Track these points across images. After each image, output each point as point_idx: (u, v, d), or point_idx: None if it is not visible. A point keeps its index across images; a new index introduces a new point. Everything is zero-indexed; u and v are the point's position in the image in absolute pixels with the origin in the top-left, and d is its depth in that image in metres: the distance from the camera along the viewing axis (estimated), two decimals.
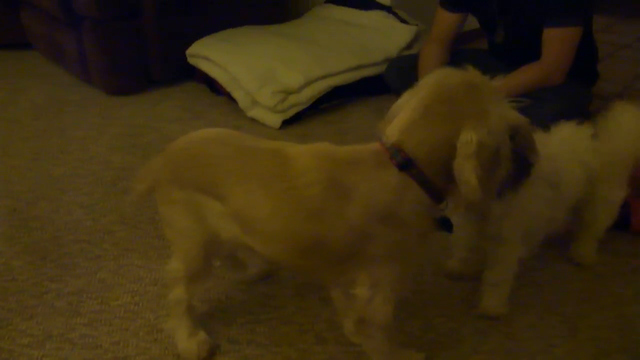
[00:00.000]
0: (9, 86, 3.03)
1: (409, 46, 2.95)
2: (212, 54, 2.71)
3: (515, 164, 1.13)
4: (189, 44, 2.84)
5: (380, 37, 2.93)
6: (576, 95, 2.22)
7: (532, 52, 2.20)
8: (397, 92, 2.71)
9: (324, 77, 2.59)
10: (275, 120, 2.49)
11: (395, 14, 3.10)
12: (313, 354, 1.41)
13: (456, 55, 2.49)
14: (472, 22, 2.51)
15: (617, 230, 1.88)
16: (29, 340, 1.44)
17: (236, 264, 1.61)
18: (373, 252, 1.13)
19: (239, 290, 1.61)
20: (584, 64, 2.31)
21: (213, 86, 2.79)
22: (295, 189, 1.11)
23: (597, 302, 1.61)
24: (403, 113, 1.11)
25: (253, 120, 2.56)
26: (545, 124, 2.20)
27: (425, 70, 2.39)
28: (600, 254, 1.79)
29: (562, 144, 1.57)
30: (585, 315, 1.56)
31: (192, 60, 2.84)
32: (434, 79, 1.12)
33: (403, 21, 3.06)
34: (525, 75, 2.20)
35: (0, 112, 2.74)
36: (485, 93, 1.09)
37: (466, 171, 1.04)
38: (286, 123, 2.51)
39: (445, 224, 1.17)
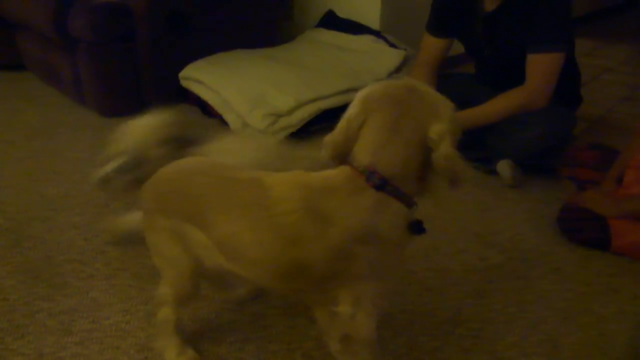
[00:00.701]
0: (4, 107, 3.07)
1: (397, 69, 3.01)
2: (204, 77, 2.76)
3: None
4: (181, 67, 2.89)
5: (370, 60, 2.99)
6: (560, 119, 2.28)
7: (516, 76, 2.26)
8: None
9: (314, 100, 2.64)
10: None
11: (384, 38, 3.17)
12: None
13: (444, 79, 2.56)
14: (460, 46, 2.58)
15: (598, 250, 1.93)
16: (20, 359, 1.46)
17: (224, 284, 1.64)
18: (354, 270, 1.17)
19: (227, 310, 1.64)
20: (567, 88, 2.37)
21: (205, 109, 2.83)
22: (273, 217, 1.15)
23: (579, 321, 1.65)
24: (367, 134, 1.15)
25: None
26: (529, 148, 2.27)
27: None
28: (583, 274, 1.84)
29: None
30: (568, 334, 1.60)
31: (184, 83, 2.89)
32: (380, 95, 1.17)
33: (392, 45, 3.12)
34: (509, 100, 2.26)
35: None
36: (425, 92, 1.17)
37: (447, 151, 1.12)
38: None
39: (417, 227, 1.20)
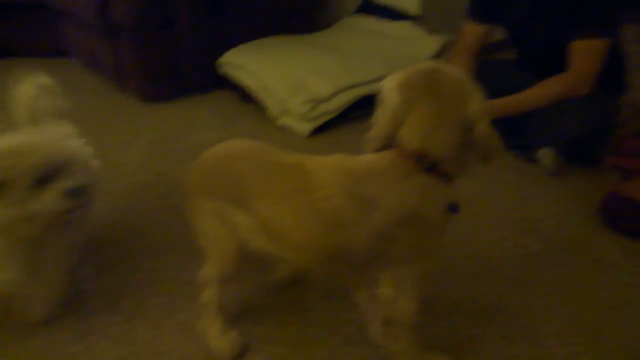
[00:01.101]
0: None
1: (437, 56, 2.98)
2: (243, 63, 2.78)
3: None
4: (221, 53, 2.92)
5: (409, 47, 2.98)
6: (602, 107, 2.24)
7: (560, 63, 2.23)
8: None
9: (353, 86, 2.64)
10: (305, 128, 2.54)
11: (423, 25, 3.14)
12: (341, 356, 1.46)
13: (484, 66, 2.52)
14: (501, 32, 2.54)
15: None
16: (69, 335, 1.51)
17: (265, 267, 1.66)
18: (396, 253, 1.19)
19: (269, 292, 1.66)
20: (611, 75, 2.32)
21: (244, 94, 2.86)
22: (316, 201, 1.17)
23: (623, 311, 1.63)
24: (413, 119, 1.17)
25: (283, 128, 2.63)
26: (572, 136, 2.23)
27: None
28: (626, 264, 1.81)
29: None
30: (611, 324, 1.58)
31: (224, 69, 2.92)
32: (418, 80, 1.19)
33: (431, 32, 3.10)
34: (552, 87, 2.23)
35: None
36: (455, 74, 1.20)
37: (485, 129, 1.18)
38: (316, 131, 2.57)
39: (455, 208, 1.22)
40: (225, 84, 3.00)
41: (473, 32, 2.51)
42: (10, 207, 1.27)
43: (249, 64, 2.76)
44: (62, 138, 1.32)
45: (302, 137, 2.55)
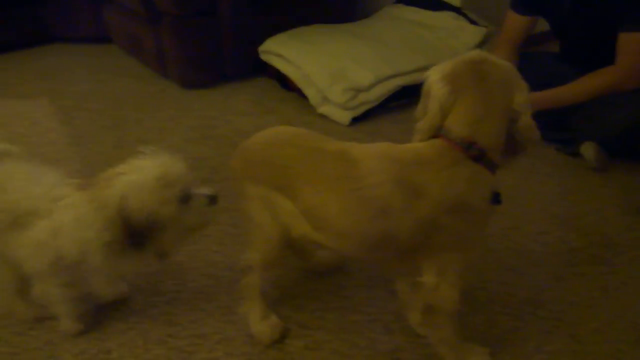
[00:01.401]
0: (91, 78, 3.20)
1: (478, 47, 2.94)
2: (284, 51, 2.78)
3: None
4: (261, 40, 2.93)
5: (450, 37, 2.94)
6: None
7: (605, 56, 2.18)
8: None
9: (393, 76, 2.63)
10: (345, 117, 2.54)
11: (465, 15, 3.10)
12: (380, 343, 1.46)
13: (526, 58, 2.49)
14: (544, 24, 2.50)
15: None
16: (115, 314, 1.55)
17: (307, 253, 1.67)
18: (441, 241, 1.19)
19: (309, 279, 1.67)
20: None
21: (284, 82, 2.87)
22: (362, 189, 1.18)
23: None
24: (461, 109, 1.17)
25: (323, 116, 2.63)
26: (616, 131, 2.19)
27: None
28: None
29: None
30: None
31: (264, 57, 2.93)
32: (464, 71, 1.19)
33: (473, 22, 3.06)
34: (598, 80, 2.19)
35: (84, 102, 2.89)
36: (501, 64, 1.21)
37: (528, 121, 1.20)
38: (355, 120, 2.56)
39: (497, 198, 1.22)
40: (264, 71, 3.01)
41: (516, 23, 2.47)
42: (171, 227, 1.31)
43: (289, 52, 2.77)
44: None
45: (342, 126, 2.55)
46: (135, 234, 1.27)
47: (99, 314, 1.54)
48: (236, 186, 1.40)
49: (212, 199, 1.38)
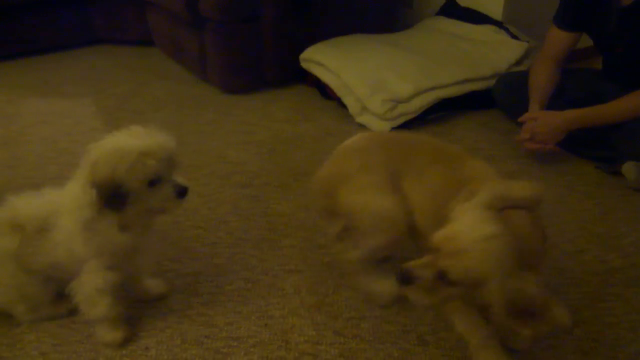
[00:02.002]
0: (133, 80, 3.26)
1: (518, 62, 2.93)
2: (325, 60, 2.81)
3: None
4: (302, 48, 2.96)
5: (490, 51, 2.93)
6: None
7: None
8: (505, 108, 2.72)
9: (433, 88, 2.63)
10: (383, 127, 2.55)
11: (506, 29, 3.09)
12: (414, 354, 1.47)
13: (568, 74, 2.47)
14: (586, 40, 2.47)
15: None
16: (154, 312, 1.58)
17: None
18: None
19: (344, 287, 1.68)
20: None
21: (323, 91, 2.89)
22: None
23: None
24: None
25: (362, 126, 2.64)
26: None
27: (536, 88, 2.39)
28: None
29: None
30: None
31: (305, 65, 2.95)
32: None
33: (514, 37, 3.04)
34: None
35: (126, 103, 2.96)
36: None
37: None
38: (394, 131, 2.57)
39: None
40: (304, 79, 3.04)
41: (558, 39, 2.45)
42: (135, 203, 1.35)
43: (329, 61, 2.79)
44: (168, 137, 1.39)
45: None
46: (104, 197, 1.32)
47: (139, 312, 1.58)
48: (347, 182, 1.48)
49: (181, 192, 1.39)
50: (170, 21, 3.32)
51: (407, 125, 2.59)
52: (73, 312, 1.54)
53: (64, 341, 1.51)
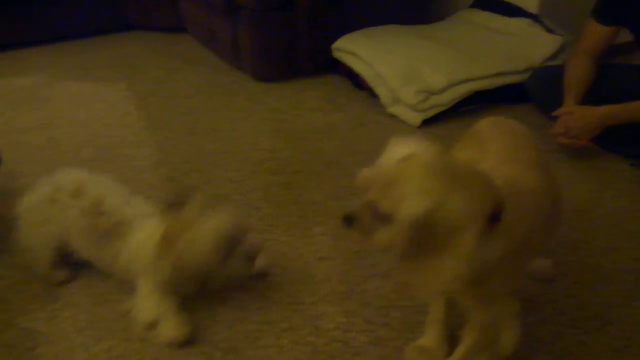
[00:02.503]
0: (165, 66, 3.29)
1: (553, 57, 2.89)
2: (357, 50, 2.80)
3: None
4: (334, 38, 2.95)
5: (525, 45, 2.90)
6: None
7: None
8: (538, 103, 2.69)
9: (466, 80, 2.61)
10: (415, 118, 2.54)
11: (541, 23, 3.05)
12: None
13: (605, 69, 2.43)
14: (625, 34, 2.43)
15: None
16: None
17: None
18: None
19: (374, 276, 1.69)
20: None
21: (355, 80, 2.88)
22: None
23: None
24: None
25: (393, 116, 2.63)
26: None
27: (571, 83, 2.35)
28: None
29: None
30: None
31: (337, 54, 2.95)
32: None
33: (549, 30, 3.00)
34: None
35: (158, 88, 2.99)
36: None
37: None
38: (425, 122, 2.56)
39: None
40: (336, 69, 3.04)
41: (596, 33, 2.41)
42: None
43: (362, 50, 2.78)
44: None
45: (412, 127, 2.55)
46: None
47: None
48: None
49: (251, 257, 1.54)
50: (203, 8, 3.34)
51: (439, 117, 2.58)
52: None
53: (99, 318, 1.55)
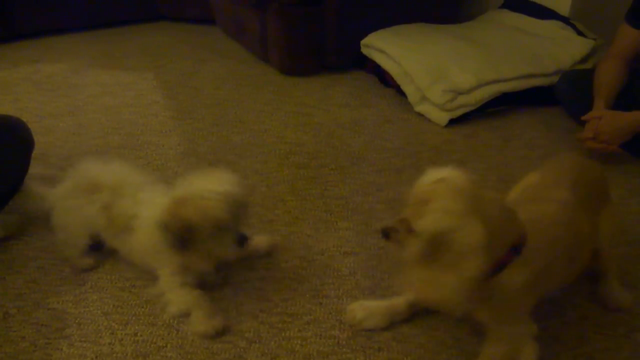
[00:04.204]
0: (193, 56, 3.31)
1: (583, 60, 2.86)
2: (386, 47, 2.80)
3: None
4: (363, 34, 2.95)
5: (555, 47, 2.87)
6: None
7: None
8: (567, 106, 2.65)
9: (494, 81, 2.60)
10: (442, 117, 2.53)
11: (572, 26, 3.02)
12: (467, 344, 1.46)
13: (636, 74, 2.40)
14: None
15: None
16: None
17: None
18: None
19: (399, 273, 1.68)
20: None
21: (383, 78, 2.88)
22: None
23: None
24: None
25: (420, 115, 2.62)
26: None
27: (602, 86, 2.33)
28: None
29: None
30: None
31: (365, 51, 2.95)
32: None
33: (580, 34, 2.97)
34: None
35: (186, 79, 3.01)
36: None
37: None
38: (452, 122, 2.55)
39: None
40: (363, 65, 3.03)
41: (629, 37, 2.38)
42: (197, 247, 1.44)
43: (391, 48, 2.78)
44: (236, 184, 1.47)
45: (438, 127, 2.54)
46: (170, 238, 1.42)
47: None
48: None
49: (242, 240, 1.46)
50: (232, 1, 3.35)
51: (466, 117, 2.57)
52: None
53: (125, 303, 1.57)
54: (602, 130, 2.21)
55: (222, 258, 1.49)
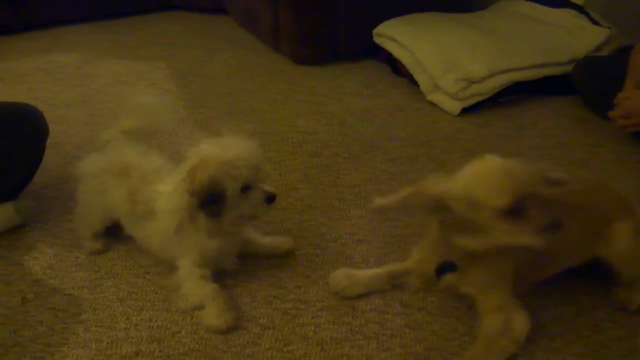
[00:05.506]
0: (205, 46, 3.32)
1: (598, 49, 2.84)
2: (398, 36, 2.79)
3: None
4: (375, 23, 2.94)
5: (569, 36, 2.85)
6: None
7: None
8: (584, 95, 2.60)
9: (507, 70, 2.58)
10: (454, 107, 2.53)
11: (587, 14, 2.99)
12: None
13: None
14: None
15: None
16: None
17: None
18: None
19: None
20: None
21: (395, 67, 2.87)
22: None
23: None
24: None
25: (432, 104, 2.62)
26: None
27: (635, 68, 2.29)
28: None
29: None
30: None
31: (377, 40, 2.94)
32: None
33: (595, 22, 2.94)
34: None
35: (198, 68, 3.01)
36: None
37: None
38: (465, 111, 2.54)
39: None
40: (375, 54, 3.03)
41: None
42: (228, 209, 1.46)
43: (403, 37, 2.77)
44: (257, 147, 1.49)
45: (451, 116, 2.54)
46: (202, 204, 1.42)
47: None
48: None
49: (270, 198, 1.49)
50: None
51: (478, 106, 2.56)
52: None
53: (139, 290, 1.59)
54: (632, 110, 2.18)
55: (253, 217, 1.53)
